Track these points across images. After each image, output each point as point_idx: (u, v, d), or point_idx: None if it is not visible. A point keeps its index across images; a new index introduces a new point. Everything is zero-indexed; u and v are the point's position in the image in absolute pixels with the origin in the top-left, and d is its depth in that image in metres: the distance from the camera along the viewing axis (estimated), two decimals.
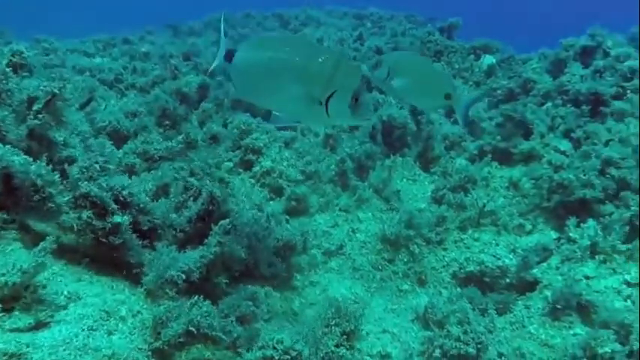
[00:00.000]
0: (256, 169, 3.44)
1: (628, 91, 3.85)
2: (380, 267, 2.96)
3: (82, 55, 5.25)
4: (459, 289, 2.74)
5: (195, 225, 2.27)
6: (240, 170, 3.52)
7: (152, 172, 2.49)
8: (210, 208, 2.24)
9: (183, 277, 2.00)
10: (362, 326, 2.53)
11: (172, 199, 2.28)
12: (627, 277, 2.27)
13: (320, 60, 1.57)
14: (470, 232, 3.00)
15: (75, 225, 1.79)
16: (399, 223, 2.98)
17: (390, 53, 2.67)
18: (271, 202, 3.32)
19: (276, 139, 3.67)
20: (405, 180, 3.47)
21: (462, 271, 2.81)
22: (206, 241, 2.13)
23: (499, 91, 4.42)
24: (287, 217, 3.22)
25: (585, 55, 4.73)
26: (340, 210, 3.27)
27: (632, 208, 2.53)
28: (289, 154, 3.49)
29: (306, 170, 3.42)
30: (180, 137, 2.79)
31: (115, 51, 5.47)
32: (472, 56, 5.28)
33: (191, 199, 2.29)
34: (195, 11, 7.94)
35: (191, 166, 2.30)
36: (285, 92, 1.61)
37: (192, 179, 2.21)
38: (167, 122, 3.06)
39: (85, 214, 1.77)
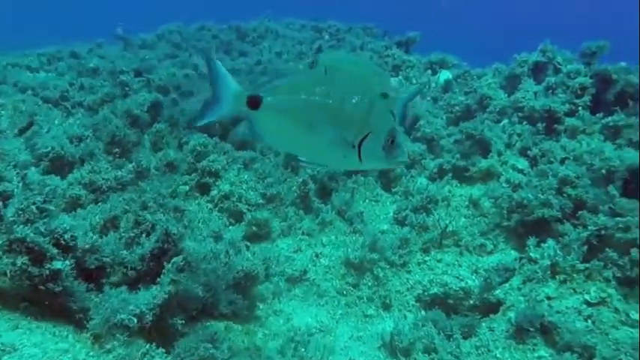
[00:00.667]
0: (214, 192, 3.31)
1: (579, 108, 3.97)
2: (345, 292, 2.89)
3: (24, 70, 4.94)
4: (423, 312, 2.72)
5: (149, 263, 2.13)
6: (197, 194, 3.38)
7: (100, 204, 2.32)
8: (166, 246, 2.11)
9: (135, 320, 1.86)
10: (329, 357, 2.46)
11: (122, 235, 2.13)
12: (587, 297, 2.29)
13: (354, 101, 1.51)
14: (433, 253, 2.98)
15: (8, 272, 1.61)
16: (362, 247, 2.93)
17: (326, 52, 2.63)
18: (231, 228, 3.20)
19: (235, 160, 3.56)
20: (367, 201, 3.43)
21: (426, 293, 2.78)
22: (159, 280, 2.00)
23: (457, 108, 4.47)
24: (247, 243, 3.11)
25: (537, 71, 4.87)
26: (303, 234, 3.18)
27: (589, 227, 2.57)
28: (249, 177, 3.38)
29: (267, 193, 3.32)
30: (130, 166, 2.62)
31: (62, 65, 5.17)
32: (429, 71, 5.35)
33: (144, 234, 2.16)
34: (147, 23, 7.66)
35: (142, 197, 2.15)
36: (317, 137, 1.53)
37: (144, 213, 2.07)
38: (116, 149, 2.88)
39: (20, 260, 1.61)
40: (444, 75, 5.09)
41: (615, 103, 3.98)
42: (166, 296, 1.96)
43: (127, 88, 4.11)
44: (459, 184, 3.49)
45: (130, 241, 2.07)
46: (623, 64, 4.30)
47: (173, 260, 2.00)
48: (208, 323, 2.28)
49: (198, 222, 3.08)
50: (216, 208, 3.27)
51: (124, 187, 2.51)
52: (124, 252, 2.04)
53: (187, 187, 3.37)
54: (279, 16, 8.18)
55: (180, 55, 5.84)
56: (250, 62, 5.61)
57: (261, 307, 2.83)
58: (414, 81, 4.98)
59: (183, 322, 2.06)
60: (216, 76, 1.54)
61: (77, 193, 2.39)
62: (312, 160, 1.62)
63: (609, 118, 3.73)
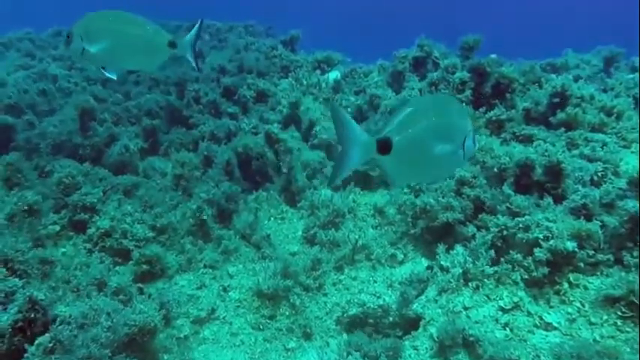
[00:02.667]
0: (92, 230, 2.83)
1: (463, 103, 4.13)
2: (261, 326, 2.64)
3: None
4: (345, 336, 2.59)
5: (12, 339, 1.72)
6: (72, 234, 2.87)
7: None
8: (33, 315, 1.72)
9: None
10: None
11: None
12: (501, 302, 2.33)
13: (455, 110, 1.61)
14: (347, 270, 2.86)
15: None
16: (274, 274, 2.70)
17: (81, 20, 2.39)
18: (117, 270, 2.76)
19: (114, 189, 3.09)
20: (272, 219, 3.20)
21: (345, 315, 2.65)
22: None
23: (349, 109, 4.41)
24: (140, 285, 2.72)
25: (418, 66, 5.02)
26: (205, 267, 2.86)
27: (492, 229, 2.61)
28: (132, 207, 2.95)
29: (156, 224, 2.92)
30: None
31: None
32: (318, 71, 5.23)
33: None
34: None
35: None
36: (439, 156, 1.59)
37: None
38: None
39: None
40: (333, 74, 5.02)
41: (493, 96, 4.22)
42: None
43: None
44: (362, 192, 3.41)
45: None
46: (493, 55, 4.57)
47: (38, 342, 1.63)
48: None
49: (75, 269, 2.61)
50: (97, 248, 2.81)
51: None
52: None
53: (58, 227, 2.84)
54: (152, 17, 7.46)
55: (36, 66, 5.01)
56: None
57: (165, 357, 2.48)
58: (304, 82, 4.82)
59: None
60: (342, 126, 1.48)
61: None
62: (433, 179, 1.75)
63: (491, 113, 3.92)
